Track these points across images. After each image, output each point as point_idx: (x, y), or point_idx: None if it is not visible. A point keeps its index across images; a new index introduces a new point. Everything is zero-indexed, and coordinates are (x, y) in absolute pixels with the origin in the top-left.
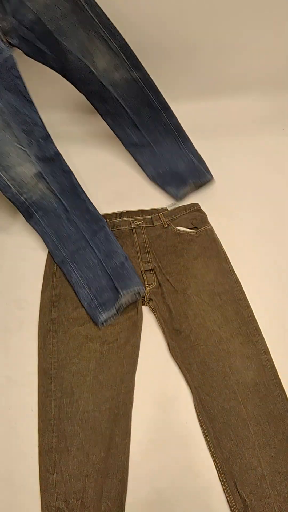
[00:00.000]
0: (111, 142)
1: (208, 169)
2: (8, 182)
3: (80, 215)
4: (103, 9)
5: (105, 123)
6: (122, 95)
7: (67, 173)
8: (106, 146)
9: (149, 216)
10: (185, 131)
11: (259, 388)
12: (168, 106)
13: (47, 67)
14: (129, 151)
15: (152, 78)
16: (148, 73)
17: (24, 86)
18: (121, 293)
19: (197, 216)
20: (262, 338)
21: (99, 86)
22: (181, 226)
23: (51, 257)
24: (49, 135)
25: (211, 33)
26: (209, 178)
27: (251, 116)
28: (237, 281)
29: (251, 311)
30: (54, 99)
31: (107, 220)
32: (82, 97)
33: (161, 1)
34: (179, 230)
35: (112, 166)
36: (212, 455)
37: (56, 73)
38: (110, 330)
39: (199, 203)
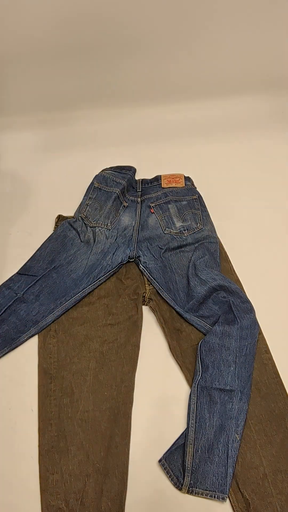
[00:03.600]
0: (111, 142)
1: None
2: None
3: None
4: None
5: (105, 124)
6: None
7: None
8: (106, 146)
9: None
10: (185, 131)
11: (260, 387)
12: None
13: (42, 68)
14: None
15: (153, 78)
16: (150, 73)
17: None
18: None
19: None
20: (263, 336)
21: None
22: None
23: None
24: None
25: (211, 33)
26: (224, 497)
27: (251, 116)
28: (237, 280)
29: None
30: (54, 99)
31: None
32: (80, 96)
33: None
34: None
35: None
36: None
37: (55, 74)
38: (110, 330)
39: None
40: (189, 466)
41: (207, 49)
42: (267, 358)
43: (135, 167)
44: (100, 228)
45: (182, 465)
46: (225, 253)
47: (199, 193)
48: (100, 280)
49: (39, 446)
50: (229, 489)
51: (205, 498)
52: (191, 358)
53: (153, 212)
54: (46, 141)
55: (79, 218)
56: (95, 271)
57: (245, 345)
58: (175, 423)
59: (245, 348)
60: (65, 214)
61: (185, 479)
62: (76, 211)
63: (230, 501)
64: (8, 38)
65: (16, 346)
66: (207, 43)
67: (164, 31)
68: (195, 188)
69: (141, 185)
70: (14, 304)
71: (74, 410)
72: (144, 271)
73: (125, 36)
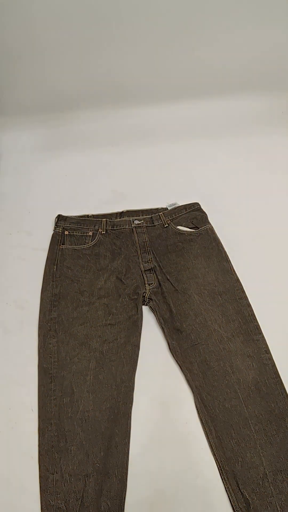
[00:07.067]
0: (111, 142)
1: None
2: None
3: None
4: None
5: (105, 124)
6: None
7: None
8: (106, 146)
9: (149, 216)
10: (185, 130)
11: (260, 387)
12: None
13: (42, 68)
14: None
15: (153, 78)
16: (150, 73)
17: None
18: None
19: (197, 216)
20: (263, 336)
21: None
22: (182, 226)
23: (51, 257)
24: None
25: (211, 33)
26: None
27: (251, 116)
28: (237, 280)
29: (251, 310)
30: (54, 99)
31: (107, 219)
32: (80, 96)
33: None
34: (179, 229)
35: (112, 166)
36: (214, 454)
37: (55, 74)
38: (110, 330)
39: (199, 203)
40: None
41: (207, 49)
42: (267, 358)
43: (135, 168)
44: None
45: None
46: (225, 253)
47: None
48: None
49: (39, 446)
50: None
51: None
52: (191, 358)
53: None
54: (46, 141)
55: None
56: None
57: None
58: (175, 423)
59: None
60: (65, 214)
61: None
62: None
63: (230, 501)
64: (8, 38)
65: None
66: (207, 43)
67: (164, 31)
68: None
69: None
70: None
71: (74, 410)
72: None
73: (126, 36)
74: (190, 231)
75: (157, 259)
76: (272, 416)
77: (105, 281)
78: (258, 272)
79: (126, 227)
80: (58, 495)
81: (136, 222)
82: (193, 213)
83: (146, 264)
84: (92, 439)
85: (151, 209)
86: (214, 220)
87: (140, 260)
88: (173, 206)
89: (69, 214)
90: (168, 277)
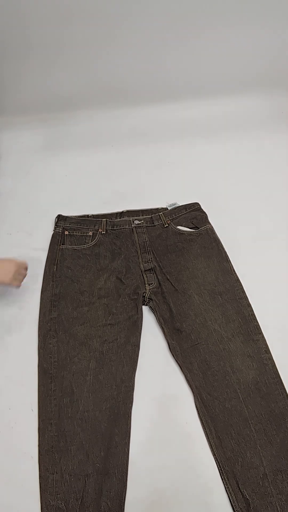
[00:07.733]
0: (111, 142)
1: None
2: None
3: None
4: None
5: (105, 124)
6: None
7: None
8: (106, 146)
9: (149, 216)
10: (185, 131)
11: (260, 387)
12: None
13: (42, 68)
14: None
15: (153, 78)
16: (150, 73)
17: None
18: None
19: (197, 216)
20: (263, 337)
21: None
22: (182, 226)
23: (51, 257)
24: None
25: (211, 33)
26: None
27: (251, 116)
28: (237, 280)
29: (251, 310)
30: (54, 99)
31: (107, 219)
32: (80, 96)
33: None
34: (179, 229)
35: (112, 166)
36: (214, 454)
37: (55, 74)
38: (110, 330)
39: (199, 203)
40: None
41: (207, 49)
42: (266, 358)
43: (135, 168)
44: None
45: None
46: (225, 253)
47: None
48: None
49: (39, 446)
50: None
51: None
52: (191, 358)
53: None
54: (46, 141)
55: None
56: None
57: None
58: (175, 423)
59: None
60: (65, 214)
61: None
62: None
63: (230, 501)
64: (8, 37)
65: None
66: (207, 43)
67: (164, 31)
68: None
69: None
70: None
71: (74, 410)
72: None
73: (126, 36)
74: (190, 231)
75: (157, 259)
76: (272, 416)
77: (105, 281)
78: (258, 272)
79: (126, 227)
80: (58, 495)
81: (136, 222)
82: (193, 213)
83: (146, 264)
84: (92, 439)
85: (151, 209)
86: (214, 220)
87: (140, 260)
88: (173, 206)
89: (69, 214)
90: (168, 277)
